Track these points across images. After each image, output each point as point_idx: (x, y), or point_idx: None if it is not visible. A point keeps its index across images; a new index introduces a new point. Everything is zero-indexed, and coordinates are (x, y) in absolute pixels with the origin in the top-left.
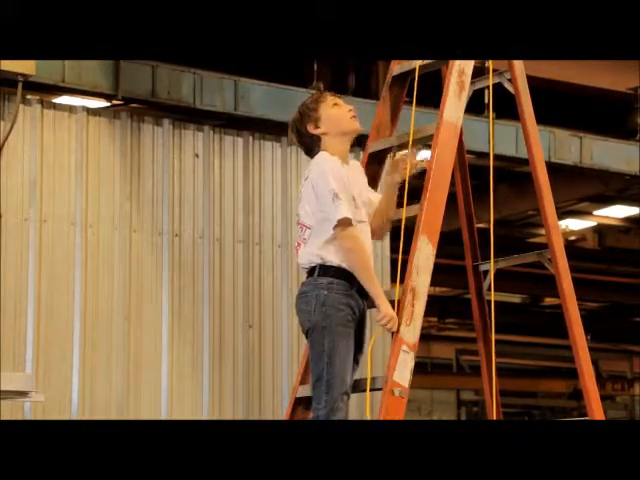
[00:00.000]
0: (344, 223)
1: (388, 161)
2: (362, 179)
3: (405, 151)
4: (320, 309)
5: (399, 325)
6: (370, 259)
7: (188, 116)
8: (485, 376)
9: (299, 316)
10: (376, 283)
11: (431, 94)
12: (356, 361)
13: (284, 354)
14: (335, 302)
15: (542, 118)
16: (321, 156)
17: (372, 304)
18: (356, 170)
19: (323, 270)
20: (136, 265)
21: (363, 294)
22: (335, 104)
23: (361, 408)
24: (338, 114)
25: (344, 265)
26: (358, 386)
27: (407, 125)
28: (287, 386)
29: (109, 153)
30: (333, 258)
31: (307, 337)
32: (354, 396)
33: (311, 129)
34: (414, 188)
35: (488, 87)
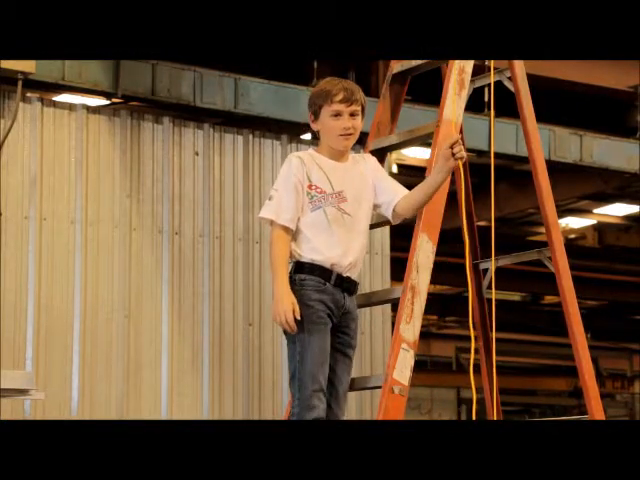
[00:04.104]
0: (270, 223)
1: (441, 151)
2: (367, 174)
3: (458, 135)
4: None
5: (399, 323)
6: (284, 261)
7: (188, 114)
8: (485, 374)
9: None
10: (278, 279)
11: (431, 92)
12: (348, 356)
13: (284, 353)
14: (305, 299)
15: (542, 116)
16: (289, 156)
17: (367, 302)
18: (357, 166)
19: (298, 267)
20: (136, 263)
21: (345, 289)
22: (336, 114)
23: (361, 408)
24: (331, 126)
25: (317, 261)
26: (356, 384)
27: (407, 123)
28: (287, 385)
29: (109, 151)
30: (305, 254)
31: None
32: (354, 395)
33: (310, 119)
34: (414, 187)
35: (488, 85)
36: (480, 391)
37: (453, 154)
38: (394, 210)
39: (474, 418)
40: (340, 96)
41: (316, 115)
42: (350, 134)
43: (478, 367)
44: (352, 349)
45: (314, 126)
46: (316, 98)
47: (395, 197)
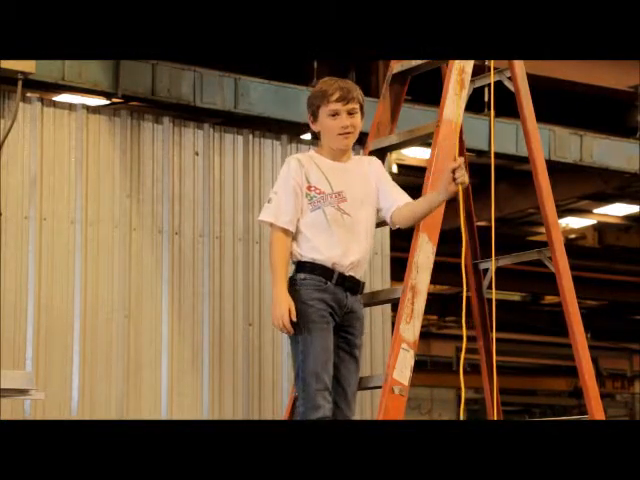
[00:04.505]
0: (270, 226)
1: (443, 174)
2: (370, 176)
3: (461, 159)
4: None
5: (399, 323)
6: (283, 263)
7: (188, 114)
8: (485, 374)
9: None
10: (277, 283)
11: (431, 92)
12: (354, 356)
13: (284, 352)
14: (306, 298)
15: (542, 116)
16: (288, 158)
17: (368, 302)
18: (360, 167)
19: (300, 266)
20: (136, 263)
21: (347, 288)
22: (334, 114)
23: (361, 408)
24: (330, 126)
25: (318, 260)
26: (359, 384)
27: (407, 123)
28: (287, 385)
29: (109, 151)
30: (306, 253)
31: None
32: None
33: (309, 120)
34: (414, 187)
35: (488, 85)
36: (480, 391)
37: (454, 179)
38: (390, 218)
39: (462, 418)
40: (336, 95)
41: (315, 116)
42: (349, 132)
43: (478, 367)
44: (357, 349)
45: (314, 127)
46: (313, 99)
47: (393, 205)
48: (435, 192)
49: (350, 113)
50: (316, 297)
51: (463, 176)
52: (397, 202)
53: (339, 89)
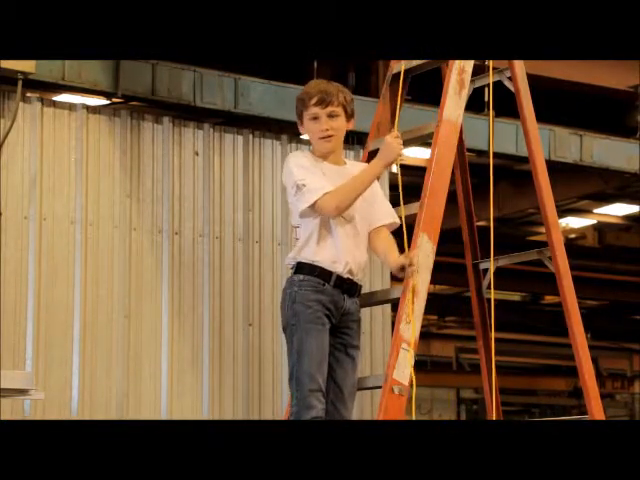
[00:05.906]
0: (315, 203)
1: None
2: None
3: (414, 253)
4: (291, 306)
5: (399, 323)
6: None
7: (188, 114)
8: (485, 374)
9: (280, 314)
10: (371, 170)
11: (431, 92)
12: (350, 356)
13: (284, 353)
14: (304, 299)
15: (542, 116)
16: (289, 155)
17: (367, 302)
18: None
19: (299, 268)
20: (136, 263)
21: (345, 290)
22: (314, 118)
23: (361, 408)
24: (311, 130)
25: (317, 262)
26: (359, 384)
27: (407, 123)
28: (287, 385)
29: (109, 151)
30: (307, 255)
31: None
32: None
33: (299, 124)
34: (414, 186)
35: (488, 85)
36: (480, 391)
37: (402, 270)
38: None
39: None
40: (315, 99)
41: (300, 120)
42: (330, 135)
43: (478, 367)
44: (355, 349)
45: (301, 130)
46: (297, 104)
47: (376, 223)
48: (392, 260)
49: (331, 116)
50: (313, 298)
51: (413, 272)
52: (379, 222)
53: (318, 93)
